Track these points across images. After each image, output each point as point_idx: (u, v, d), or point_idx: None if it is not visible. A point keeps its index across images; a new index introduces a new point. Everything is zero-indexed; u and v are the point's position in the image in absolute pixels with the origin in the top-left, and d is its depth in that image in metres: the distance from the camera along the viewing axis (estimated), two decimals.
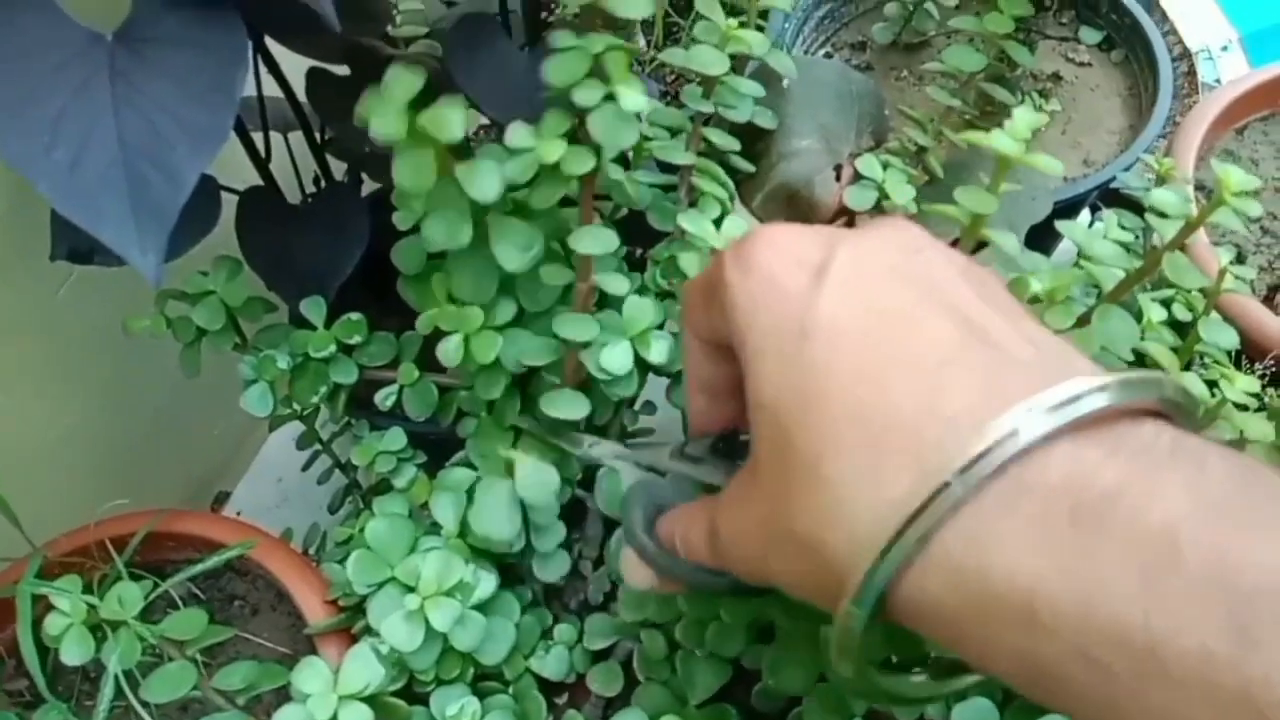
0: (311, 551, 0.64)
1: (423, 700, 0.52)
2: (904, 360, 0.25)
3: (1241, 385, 0.48)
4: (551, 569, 0.55)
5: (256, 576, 0.62)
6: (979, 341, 0.25)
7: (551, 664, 0.55)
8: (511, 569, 0.57)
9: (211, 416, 0.82)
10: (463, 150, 0.47)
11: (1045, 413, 0.23)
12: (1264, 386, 0.50)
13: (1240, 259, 0.68)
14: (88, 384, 0.70)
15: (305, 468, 0.70)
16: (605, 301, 0.53)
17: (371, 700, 0.50)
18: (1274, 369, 0.61)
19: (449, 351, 0.51)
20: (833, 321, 0.26)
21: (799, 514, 0.26)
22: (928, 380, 0.25)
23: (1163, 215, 0.46)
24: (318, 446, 0.67)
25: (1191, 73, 0.88)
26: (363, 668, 0.49)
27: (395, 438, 0.59)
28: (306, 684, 0.48)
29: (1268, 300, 0.66)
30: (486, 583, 0.52)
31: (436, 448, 0.61)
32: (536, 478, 0.51)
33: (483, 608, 0.52)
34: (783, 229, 0.30)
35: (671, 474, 0.43)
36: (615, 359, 0.51)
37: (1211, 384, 0.48)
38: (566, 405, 0.52)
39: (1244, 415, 0.48)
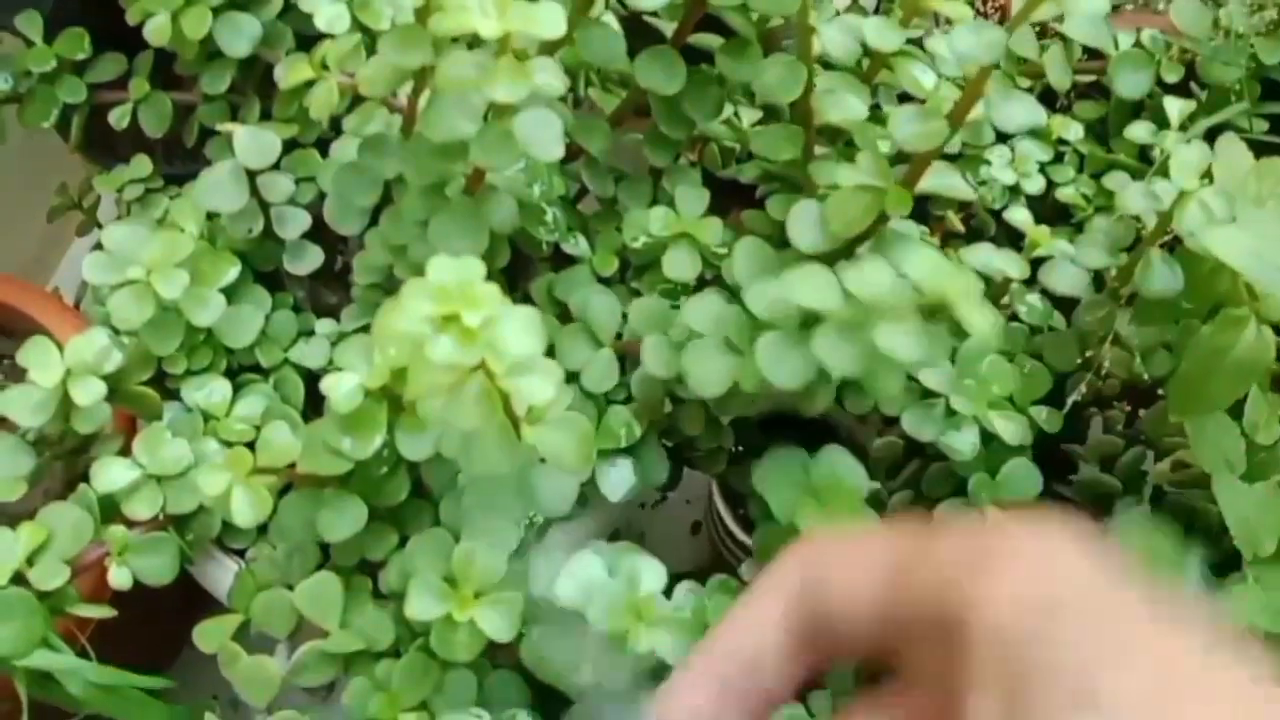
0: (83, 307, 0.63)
1: (178, 397, 0.52)
2: None
3: None
4: (303, 262, 0.54)
5: (26, 334, 0.60)
6: None
7: (312, 354, 0.54)
8: (273, 280, 0.57)
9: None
10: None
11: None
12: None
13: None
14: None
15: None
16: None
17: (116, 386, 0.49)
18: None
19: (155, 30, 0.50)
20: None
21: None
22: None
23: None
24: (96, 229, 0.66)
25: None
26: (91, 342, 0.48)
27: (140, 165, 0.58)
28: (30, 357, 0.47)
29: None
30: (228, 271, 0.52)
31: None
32: (254, 142, 0.50)
33: (228, 294, 0.51)
34: None
35: None
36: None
37: None
38: None
39: None
